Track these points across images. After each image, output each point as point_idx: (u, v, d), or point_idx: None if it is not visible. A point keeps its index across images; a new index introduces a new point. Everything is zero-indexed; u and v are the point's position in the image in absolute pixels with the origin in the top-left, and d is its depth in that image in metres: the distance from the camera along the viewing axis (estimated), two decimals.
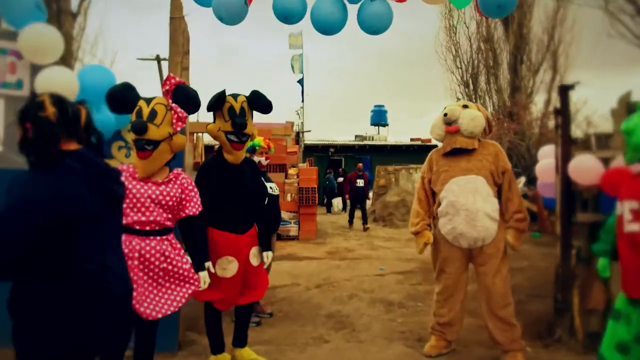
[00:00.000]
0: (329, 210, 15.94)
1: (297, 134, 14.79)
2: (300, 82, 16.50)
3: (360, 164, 11.66)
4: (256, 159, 4.16)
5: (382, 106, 23.23)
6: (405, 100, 51.65)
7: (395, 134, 21.55)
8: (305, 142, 18.39)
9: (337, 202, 16.11)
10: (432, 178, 3.30)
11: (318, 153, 19.18)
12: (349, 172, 17.78)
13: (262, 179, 4.13)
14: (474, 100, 14.02)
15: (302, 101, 16.23)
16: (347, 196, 11.38)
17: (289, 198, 9.40)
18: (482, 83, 13.94)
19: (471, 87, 13.74)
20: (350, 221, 11.53)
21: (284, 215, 9.23)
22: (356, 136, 21.77)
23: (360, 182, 11.20)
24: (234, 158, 2.85)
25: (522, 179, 10.58)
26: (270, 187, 4.19)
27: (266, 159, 4.21)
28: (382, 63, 65.75)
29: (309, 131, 17.40)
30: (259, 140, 4.19)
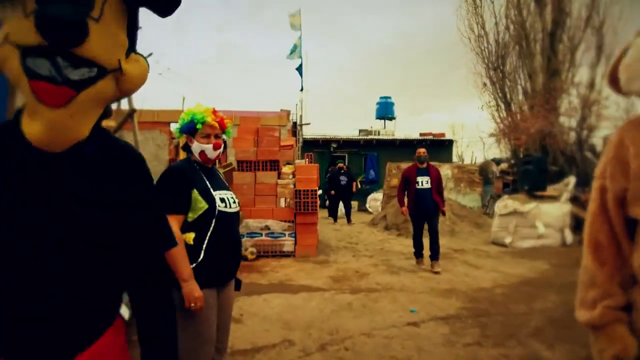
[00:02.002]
0: (331, 215, 13.92)
1: (294, 124, 12.76)
2: (299, 69, 14.48)
3: (423, 150, 6.35)
4: (198, 147, 2.22)
5: (389, 98, 21.14)
6: (404, 98, 49.88)
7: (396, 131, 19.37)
8: (304, 136, 16.38)
9: (340, 205, 14.08)
10: (632, 188, 1.28)
11: (318, 149, 17.13)
12: (352, 169, 15.80)
13: (191, 186, 2.20)
14: (499, 86, 12.03)
15: (301, 90, 14.19)
16: (404, 209, 6.43)
17: (282, 204, 7.41)
18: (508, 65, 11.93)
19: (499, 70, 11.71)
20: (418, 253, 6.57)
21: (276, 226, 7.24)
22: (360, 130, 19.69)
23: (424, 182, 6.22)
24: (41, 131, 0.88)
25: (572, 180, 8.58)
26: (222, 199, 2.22)
27: (216, 147, 2.23)
28: (380, 61, 64.05)
29: (309, 124, 15.36)
30: (202, 111, 2.22)
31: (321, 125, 41.36)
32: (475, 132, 32.17)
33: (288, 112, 10.86)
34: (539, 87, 10.48)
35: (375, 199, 14.80)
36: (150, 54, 10.59)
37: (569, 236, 8.10)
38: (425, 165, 6.34)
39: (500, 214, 8.32)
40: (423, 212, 6.26)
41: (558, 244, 8.10)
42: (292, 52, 13.35)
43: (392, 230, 10.16)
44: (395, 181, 12.34)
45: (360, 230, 10.74)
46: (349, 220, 12.16)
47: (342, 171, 12.66)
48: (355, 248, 8.27)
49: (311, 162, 9.92)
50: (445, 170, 11.72)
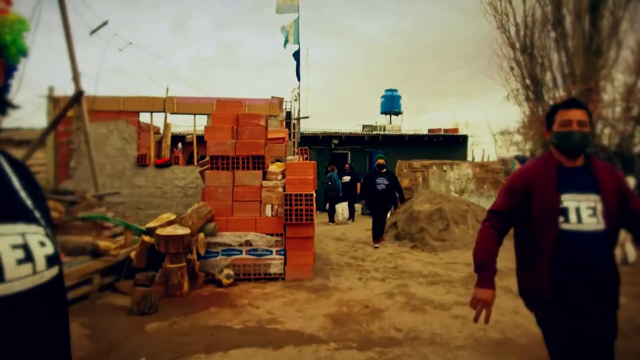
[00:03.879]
0: (331, 220, 12.30)
1: (288, 114, 11.10)
2: (297, 55, 12.77)
3: (578, 113, 1.91)
4: None
5: (395, 90, 19.44)
6: (404, 97, 48.40)
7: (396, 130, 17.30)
8: (302, 131, 14.71)
9: (341, 208, 12.47)
10: None
11: (318, 145, 15.46)
12: (356, 168, 14.16)
13: None
14: (527, 71, 10.36)
15: (298, 78, 12.53)
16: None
17: (268, 212, 5.77)
18: (539, 46, 10.27)
19: (527, 52, 10.05)
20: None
21: (260, 241, 5.61)
22: (364, 126, 18.00)
23: (586, 213, 1.88)
24: None
25: (630, 181, 6.88)
26: None
27: None
28: (380, 61, 62.58)
29: (307, 117, 13.68)
30: None
31: (321, 123, 39.91)
32: (478, 130, 30.47)
33: (280, 100, 9.19)
34: (580, 70, 8.81)
35: None
36: (105, 22, 8.99)
37: (631, 252, 6.44)
38: (581, 161, 2.00)
39: None
40: (577, 298, 1.85)
41: (618, 262, 6.44)
42: (286, 30, 11.68)
43: (404, 240, 8.50)
44: (406, 182, 10.69)
45: (366, 240, 9.08)
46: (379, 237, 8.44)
47: (383, 171, 8.38)
48: (362, 266, 6.62)
49: (307, 159, 8.23)
50: (465, 170, 10.05)
